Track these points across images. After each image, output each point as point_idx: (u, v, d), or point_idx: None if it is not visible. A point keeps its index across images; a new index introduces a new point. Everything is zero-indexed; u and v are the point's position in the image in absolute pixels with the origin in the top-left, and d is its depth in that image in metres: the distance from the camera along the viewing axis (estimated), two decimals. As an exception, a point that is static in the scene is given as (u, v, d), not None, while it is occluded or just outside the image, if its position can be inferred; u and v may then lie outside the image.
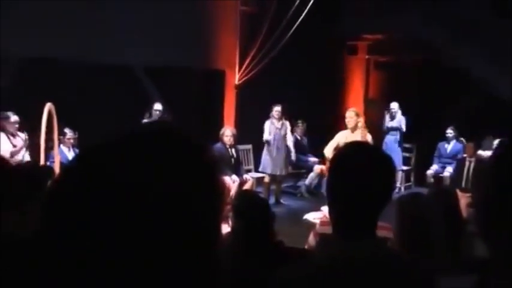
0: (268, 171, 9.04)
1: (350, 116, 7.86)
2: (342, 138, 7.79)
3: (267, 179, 9.10)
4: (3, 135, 6.87)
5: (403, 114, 9.96)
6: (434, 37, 10.18)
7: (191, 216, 0.69)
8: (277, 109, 8.94)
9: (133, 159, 0.68)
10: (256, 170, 9.46)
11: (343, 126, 8.35)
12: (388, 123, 10.04)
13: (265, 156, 9.09)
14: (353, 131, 7.83)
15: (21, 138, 7.02)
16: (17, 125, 6.94)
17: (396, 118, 9.96)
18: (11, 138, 6.92)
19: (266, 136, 8.98)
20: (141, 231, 0.65)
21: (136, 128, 0.76)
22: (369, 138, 7.94)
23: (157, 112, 8.34)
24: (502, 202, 0.83)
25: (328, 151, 7.79)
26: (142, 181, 0.66)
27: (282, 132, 9.04)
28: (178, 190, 0.68)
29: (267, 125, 8.97)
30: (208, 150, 0.76)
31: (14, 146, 6.87)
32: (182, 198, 0.68)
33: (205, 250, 0.71)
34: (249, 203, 2.91)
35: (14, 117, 6.89)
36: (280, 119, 8.99)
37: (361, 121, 7.90)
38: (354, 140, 7.35)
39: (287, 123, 9.11)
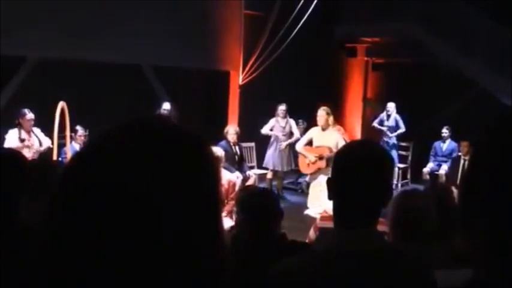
0: (271, 166, 9.14)
1: (321, 115, 7.53)
2: (313, 134, 7.68)
3: (269, 175, 9.18)
4: (13, 131, 6.90)
5: (398, 113, 10.07)
6: (429, 40, 10.34)
7: (187, 207, 0.68)
8: (282, 108, 9.06)
9: (130, 152, 0.69)
10: (259, 167, 9.53)
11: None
12: (385, 122, 10.16)
13: (269, 152, 9.18)
14: (324, 129, 7.58)
15: (36, 134, 7.07)
16: (32, 122, 7.00)
17: (391, 117, 10.08)
18: (23, 134, 6.93)
19: (265, 130, 9.05)
20: (139, 222, 0.65)
21: (133, 121, 0.76)
22: (339, 136, 7.62)
23: (165, 111, 8.46)
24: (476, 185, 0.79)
25: (299, 146, 7.74)
26: (140, 173, 0.67)
27: (287, 130, 9.15)
28: (174, 181, 0.68)
29: (271, 122, 9.08)
30: (203, 141, 0.75)
31: (22, 140, 6.88)
32: (180, 189, 0.68)
33: (208, 240, 0.70)
34: (251, 198, 2.90)
35: (29, 115, 6.96)
36: (284, 117, 9.11)
37: (331, 119, 7.58)
38: (323, 137, 7.39)
39: (291, 121, 9.20)
